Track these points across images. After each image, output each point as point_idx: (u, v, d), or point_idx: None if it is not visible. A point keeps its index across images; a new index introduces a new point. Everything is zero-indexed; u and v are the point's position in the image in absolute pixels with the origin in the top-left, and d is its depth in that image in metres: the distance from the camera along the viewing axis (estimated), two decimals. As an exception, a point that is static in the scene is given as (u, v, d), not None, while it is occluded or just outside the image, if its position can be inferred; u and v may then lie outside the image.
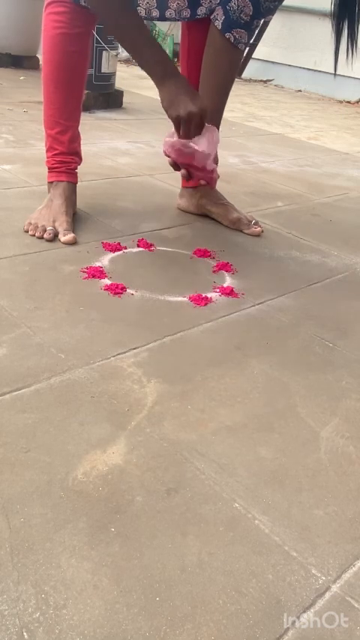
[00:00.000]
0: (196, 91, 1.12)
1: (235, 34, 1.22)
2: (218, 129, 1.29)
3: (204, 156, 1.12)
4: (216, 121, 1.32)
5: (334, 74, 1.19)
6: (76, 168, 1.37)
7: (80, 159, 1.38)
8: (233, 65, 1.30)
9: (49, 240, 1.23)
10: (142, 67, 1.13)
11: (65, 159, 1.34)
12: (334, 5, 1.12)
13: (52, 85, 1.28)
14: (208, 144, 1.12)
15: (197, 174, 1.19)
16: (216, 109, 1.32)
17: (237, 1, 1.19)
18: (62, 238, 1.23)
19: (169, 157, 1.17)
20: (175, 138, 1.12)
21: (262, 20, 1.22)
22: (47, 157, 1.35)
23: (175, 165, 1.19)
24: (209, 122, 1.17)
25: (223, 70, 1.29)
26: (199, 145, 1.11)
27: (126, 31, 1.11)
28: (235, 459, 0.71)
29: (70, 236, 1.23)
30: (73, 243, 1.23)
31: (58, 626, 0.50)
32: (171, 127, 1.15)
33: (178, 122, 1.11)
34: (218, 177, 1.22)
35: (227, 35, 1.22)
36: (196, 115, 1.09)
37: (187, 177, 1.21)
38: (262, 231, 1.45)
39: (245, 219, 1.45)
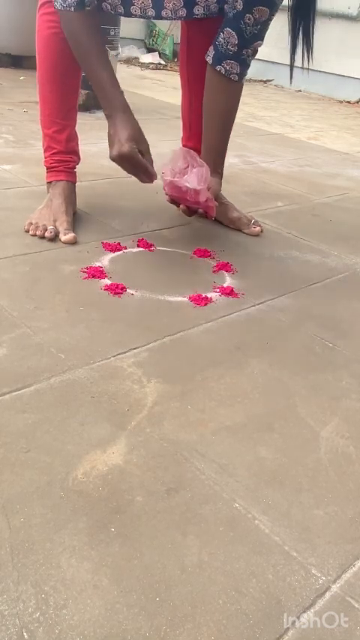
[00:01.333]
0: (138, 128, 1.11)
1: (225, 65, 1.24)
2: (222, 165, 1.35)
3: (195, 192, 1.18)
4: (219, 159, 1.34)
5: (290, 69, 1.22)
6: (75, 168, 1.37)
7: (79, 158, 1.38)
8: (231, 101, 1.32)
9: (51, 240, 1.23)
10: (97, 94, 1.13)
11: (63, 158, 1.34)
12: (291, 1, 1.14)
13: (48, 84, 1.28)
14: (198, 180, 1.18)
15: (193, 207, 1.27)
16: (218, 147, 1.35)
17: (223, 35, 1.21)
18: (63, 238, 1.23)
19: (167, 194, 1.24)
20: (169, 176, 1.20)
21: (253, 48, 1.23)
22: (45, 157, 1.35)
23: (174, 202, 1.26)
24: (208, 161, 1.23)
25: (221, 108, 1.31)
26: (190, 182, 1.17)
27: (86, 54, 1.12)
28: (235, 459, 0.71)
29: (70, 235, 1.23)
30: (73, 242, 1.23)
31: (58, 626, 0.50)
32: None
33: (117, 163, 1.11)
34: (216, 205, 1.26)
35: (218, 68, 1.25)
36: (127, 156, 1.08)
37: (188, 214, 1.27)
38: (262, 231, 1.45)
39: (245, 219, 1.45)
